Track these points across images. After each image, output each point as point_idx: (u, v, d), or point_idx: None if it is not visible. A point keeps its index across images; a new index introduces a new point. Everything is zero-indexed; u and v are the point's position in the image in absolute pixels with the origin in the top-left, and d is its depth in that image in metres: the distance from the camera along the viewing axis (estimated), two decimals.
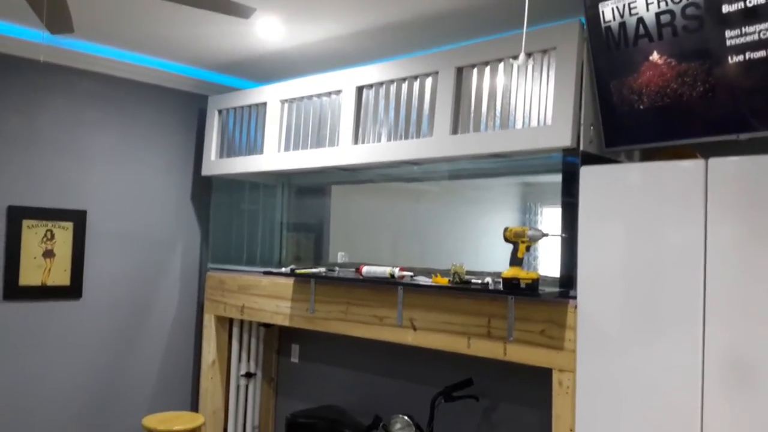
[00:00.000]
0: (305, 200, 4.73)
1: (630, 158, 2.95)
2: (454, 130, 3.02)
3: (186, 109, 4.42)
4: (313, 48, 3.70)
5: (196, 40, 3.67)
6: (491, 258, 3.26)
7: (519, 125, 2.84)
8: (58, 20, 2.49)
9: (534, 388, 3.22)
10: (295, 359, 4.50)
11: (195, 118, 4.45)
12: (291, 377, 4.53)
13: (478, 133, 2.94)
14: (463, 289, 3.00)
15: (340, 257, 4.21)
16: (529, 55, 2.75)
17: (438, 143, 3.07)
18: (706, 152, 2.40)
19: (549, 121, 2.70)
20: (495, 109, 2.92)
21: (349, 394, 4.14)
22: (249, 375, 4.47)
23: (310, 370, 4.40)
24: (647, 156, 2.86)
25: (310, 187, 4.67)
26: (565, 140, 2.64)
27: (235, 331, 4.46)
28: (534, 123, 2.78)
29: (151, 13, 3.26)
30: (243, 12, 2.42)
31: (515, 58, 2.15)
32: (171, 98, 4.35)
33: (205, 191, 4.51)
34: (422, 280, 3.22)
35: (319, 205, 4.62)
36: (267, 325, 4.45)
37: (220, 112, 4.32)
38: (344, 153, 3.50)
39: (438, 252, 3.89)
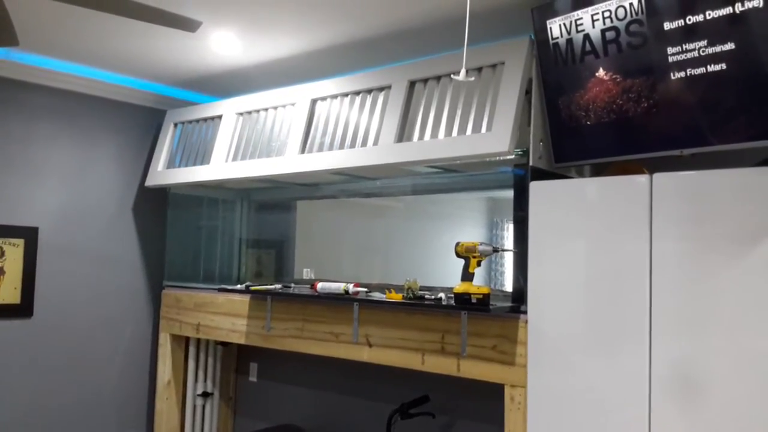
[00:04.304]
0: (266, 216, 4.69)
1: (581, 174, 2.97)
2: (399, 139, 3.02)
3: (144, 124, 4.37)
4: (271, 64, 3.69)
5: (153, 54, 3.64)
6: (456, 273, 3.25)
7: (462, 134, 2.84)
8: (1, 33, 2.45)
9: (489, 404, 3.20)
10: (253, 378, 4.43)
11: (153, 133, 4.39)
12: (249, 396, 4.46)
13: (421, 141, 2.95)
14: (413, 305, 2.99)
15: (306, 273, 4.18)
16: (469, 71, 2.77)
17: (382, 151, 3.06)
18: (655, 167, 2.42)
19: (491, 129, 2.71)
20: (441, 120, 2.92)
21: (308, 412, 4.09)
22: (206, 395, 4.38)
23: (268, 389, 4.34)
24: (598, 171, 2.88)
25: (271, 202, 4.64)
26: (503, 146, 2.64)
27: (192, 350, 4.38)
28: (477, 132, 2.79)
29: (102, 26, 3.22)
30: (189, 25, 2.40)
31: (456, 74, 2.15)
32: (129, 113, 4.29)
33: (163, 207, 4.44)
34: (377, 296, 3.20)
35: (282, 221, 4.59)
36: (224, 344, 4.39)
37: (176, 125, 4.28)
38: (289, 162, 3.47)
39: (402, 267, 3.88)
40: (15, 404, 3.81)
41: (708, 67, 2.24)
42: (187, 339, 4.38)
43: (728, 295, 2.18)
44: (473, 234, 3.79)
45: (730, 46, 2.19)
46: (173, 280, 4.37)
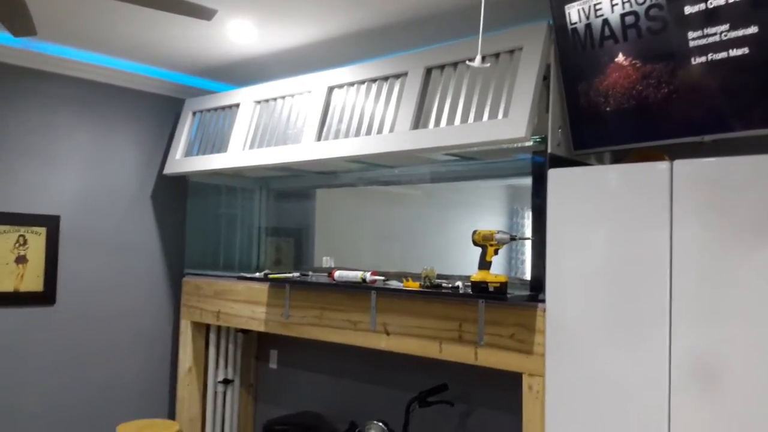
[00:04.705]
0: (285, 204, 4.70)
1: (601, 161, 2.93)
2: (415, 126, 3.00)
3: (163, 112, 4.39)
4: (288, 53, 3.69)
5: (170, 43, 3.65)
6: (475, 261, 3.24)
7: (479, 121, 2.81)
8: (19, 23, 2.46)
9: (508, 393, 3.19)
10: (273, 365, 4.46)
11: (171, 121, 4.42)
12: (270, 383, 4.49)
13: (437, 128, 2.92)
14: (430, 293, 2.98)
15: (325, 262, 4.19)
16: (486, 57, 2.73)
17: (397, 138, 3.04)
18: (677, 155, 2.38)
19: (507, 115, 2.68)
20: (457, 107, 2.89)
21: (327, 399, 4.11)
22: (227, 381, 4.43)
23: (288, 376, 4.37)
24: (618, 159, 2.85)
25: (290, 191, 4.65)
26: (519, 132, 2.61)
27: (212, 337, 4.42)
28: (493, 119, 2.76)
29: (119, 15, 3.24)
30: (204, 13, 2.40)
31: (472, 60, 2.12)
32: (147, 102, 4.31)
33: (182, 196, 4.47)
34: (394, 284, 3.19)
35: (301, 209, 4.60)
36: (245, 331, 4.42)
37: (194, 113, 4.29)
38: (305, 150, 3.47)
39: (422, 255, 3.87)
40: (39, 391, 3.88)
41: (730, 51, 2.20)
42: (208, 326, 4.42)
43: (749, 284, 2.15)
44: (493, 222, 3.76)
45: (753, 29, 2.14)
46: (193, 268, 4.41)
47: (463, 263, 3.35)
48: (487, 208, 3.90)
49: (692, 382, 2.25)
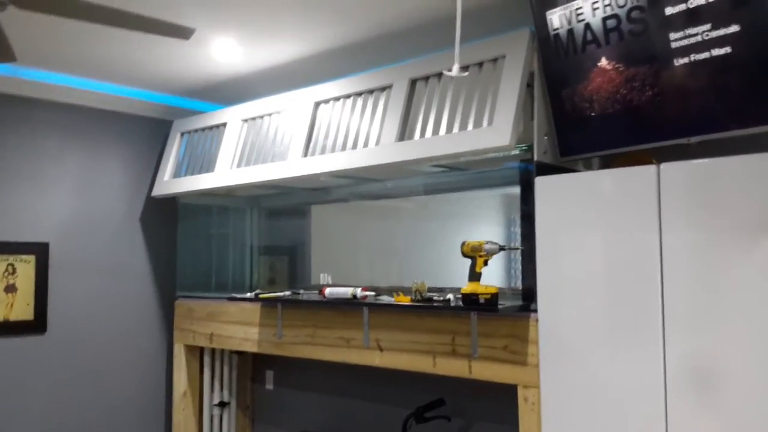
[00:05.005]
0: (278, 222, 4.67)
1: (589, 167, 2.90)
2: (401, 138, 2.98)
3: (152, 135, 4.37)
4: (273, 70, 3.68)
5: (155, 64, 3.63)
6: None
7: (464, 130, 2.78)
8: None
9: (505, 405, 3.12)
10: (270, 386, 4.40)
11: (160, 143, 4.39)
12: (266, 404, 4.43)
13: (422, 139, 2.90)
14: (420, 307, 2.94)
15: (323, 278, 4.14)
16: (470, 67, 2.71)
17: (383, 151, 3.01)
18: (666, 157, 2.34)
19: (492, 123, 2.65)
20: (442, 117, 2.87)
21: (325, 419, 4.05)
22: (222, 404, 4.36)
23: (285, 397, 4.31)
24: (606, 164, 2.81)
25: (282, 208, 4.61)
26: (504, 140, 2.58)
27: (207, 359, 4.37)
28: (478, 128, 2.73)
29: (97, 37, 3.21)
30: (182, 33, 2.38)
31: (449, 70, 2.10)
32: (135, 125, 4.29)
33: (173, 218, 4.44)
34: (386, 299, 3.15)
35: (295, 227, 4.56)
36: (240, 353, 4.37)
37: (182, 134, 4.27)
38: (291, 166, 3.44)
39: (418, 269, 3.83)
40: (32, 421, 3.82)
41: (712, 51, 2.17)
42: (202, 349, 4.37)
43: (741, 286, 2.11)
44: (489, 232, 3.72)
45: (734, 28, 2.12)
46: (186, 290, 4.36)
47: (461, 275, 3.30)
48: (483, 219, 3.86)
49: (688, 388, 2.21)
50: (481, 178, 3.53)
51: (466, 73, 2.58)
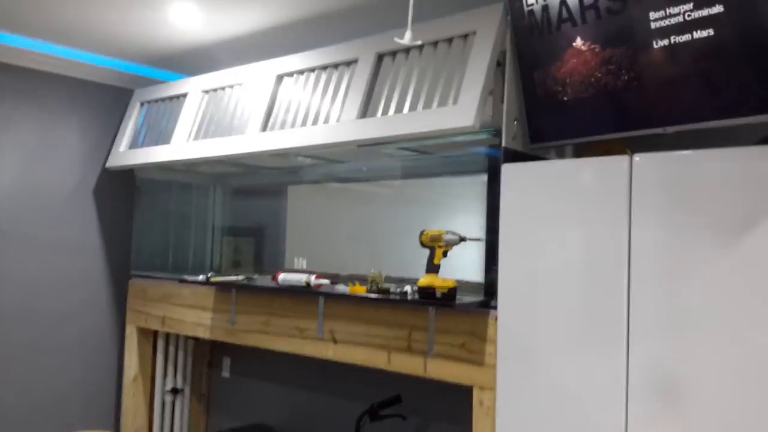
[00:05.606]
0: (244, 202, 4.46)
1: (561, 155, 2.71)
2: (362, 115, 2.77)
3: (111, 104, 4.13)
4: (236, 40, 3.47)
5: (110, 28, 3.41)
6: (447, 263, 3.00)
7: (427, 109, 2.58)
8: None
9: (463, 405, 2.94)
10: (226, 373, 4.21)
11: (120, 113, 4.16)
12: (222, 393, 4.24)
13: (384, 117, 2.70)
14: (372, 299, 2.75)
15: (297, 262, 3.94)
16: (439, 43, 2.51)
17: (342, 129, 2.81)
18: (642, 148, 2.15)
19: (457, 103, 2.46)
20: (407, 95, 2.67)
21: (280, 410, 3.87)
22: (175, 391, 4.17)
23: (242, 386, 4.12)
24: (579, 153, 2.62)
25: (250, 188, 4.40)
26: (468, 120, 2.38)
27: (161, 343, 4.17)
28: (442, 107, 2.53)
29: None
30: None
31: (401, 38, 1.90)
32: (94, 92, 4.05)
33: (130, 192, 4.22)
34: (341, 288, 2.96)
35: (265, 208, 4.34)
36: (196, 337, 4.17)
37: (142, 104, 4.05)
38: (249, 141, 3.23)
39: (393, 256, 3.62)
40: None
41: (694, 33, 1.98)
42: (156, 332, 4.16)
43: (713, 290, 1.93)
44: (467, 222, 3.53)
45: (718, 8, 1.92)
46: (141, 269, 4.14)
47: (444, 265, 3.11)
48: (462, 208, 3.66)
49: (651, 395, 2.04)
50: (458, 163, 3.34)
51: (419, 42, 2.38)
